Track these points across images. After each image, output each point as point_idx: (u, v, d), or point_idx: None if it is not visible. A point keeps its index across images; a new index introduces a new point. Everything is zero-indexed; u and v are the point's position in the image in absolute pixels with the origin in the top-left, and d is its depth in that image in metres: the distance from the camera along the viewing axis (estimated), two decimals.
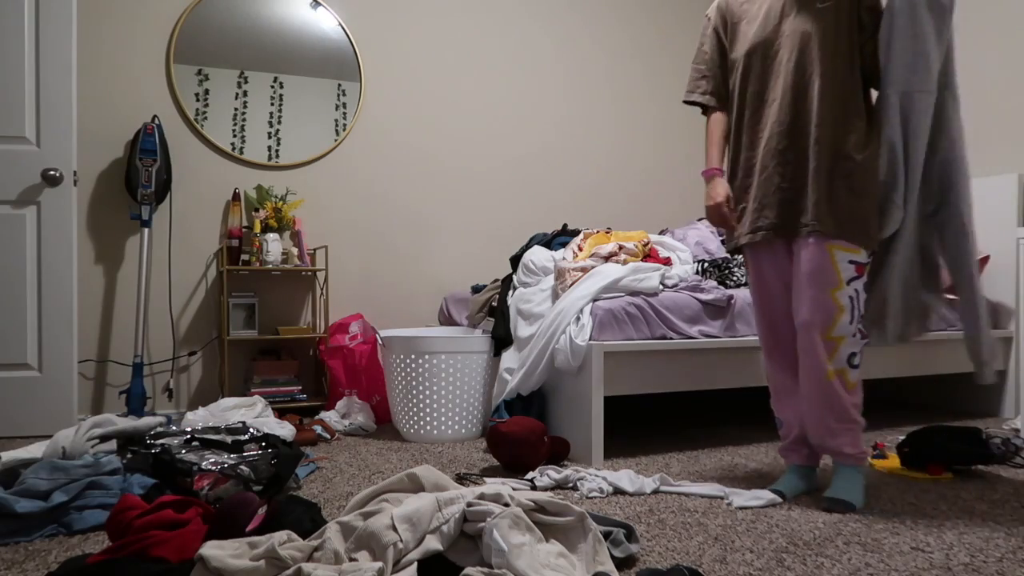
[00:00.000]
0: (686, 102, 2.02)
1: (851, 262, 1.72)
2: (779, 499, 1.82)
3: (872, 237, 1.73)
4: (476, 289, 3.20)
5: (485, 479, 1.98)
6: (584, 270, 2.53)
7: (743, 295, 2.56)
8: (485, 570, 1.13)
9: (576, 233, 3.00)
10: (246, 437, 1.96)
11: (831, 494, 1.76)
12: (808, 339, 1.75)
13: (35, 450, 1.93)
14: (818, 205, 1.72)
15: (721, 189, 1.90)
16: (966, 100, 3.38)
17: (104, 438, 1.99)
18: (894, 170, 1.73)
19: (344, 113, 3.56)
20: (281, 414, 2.86)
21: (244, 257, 3.15)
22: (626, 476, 1.96)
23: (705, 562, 1.40)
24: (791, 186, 1.79)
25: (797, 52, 1.77)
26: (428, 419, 2.60)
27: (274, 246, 3.15)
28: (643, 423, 3.06)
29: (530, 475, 2.01)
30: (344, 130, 3.56)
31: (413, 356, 2.59)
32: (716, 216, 1.92)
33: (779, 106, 1.80)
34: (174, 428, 2.13)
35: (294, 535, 1.22)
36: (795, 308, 1.79)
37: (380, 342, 2.78)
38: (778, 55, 1.81)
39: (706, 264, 2.88)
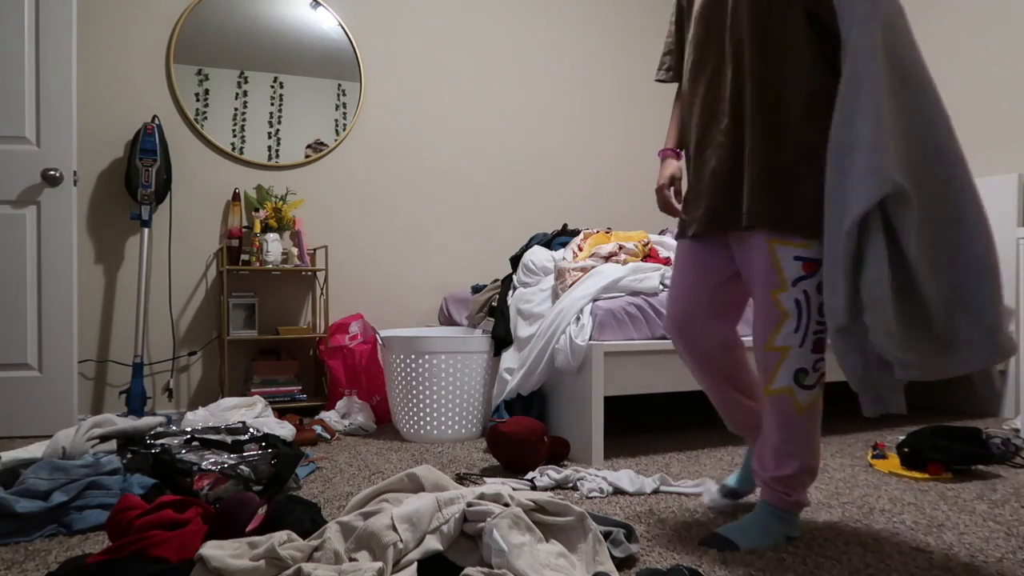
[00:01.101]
0: (656, 81, 1.83)
1: (797, 258, 1.41)
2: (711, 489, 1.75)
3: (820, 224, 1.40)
4: (476, 289, 3.20)
5: (485, 479, 1.98)
6: (584, 270, 2.53)
7: None
8: (485, 570, 1.13)
9: (576, 233, 3.00)
10: (246, 437, 1.96)
11: (724, 530, 1.49)
12: (755, 350, 1.49)
13: (35, 450, 1.94)
14: (752, 192, 1.42)
15: (667, 171, 1.66)
16: (966, 100, 3.39)
17: (104, 438, 1.99)
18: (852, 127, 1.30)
19: (344, 113, 3.56)
20: (281, 414, 2.86)
21: (244, 257, 3.15)
22: (626, 476, 1.96)
23: (705, 562, 1.40)
24: (726, 170, 1.50)
25: (731, 11, 1.49)
26: (428, 419, 2.60)
27: (274, 246, 3.16)
28: (643, 423, 3.06)
29: (530, 475, 2.01)
30: (344, 130, 3.56)
31: (413, 356, 2.59)
32: (659, 201, 1.68)
33: (712, 75, 1.53)
34: (174, 428, 2.13)
35: (294, 535, 1.22)
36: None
37: (380, 342, 2.78)
38: (719, 17, 1.53)
39: None
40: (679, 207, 1.66)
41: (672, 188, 1.66)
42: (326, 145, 3.47)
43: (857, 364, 1.31)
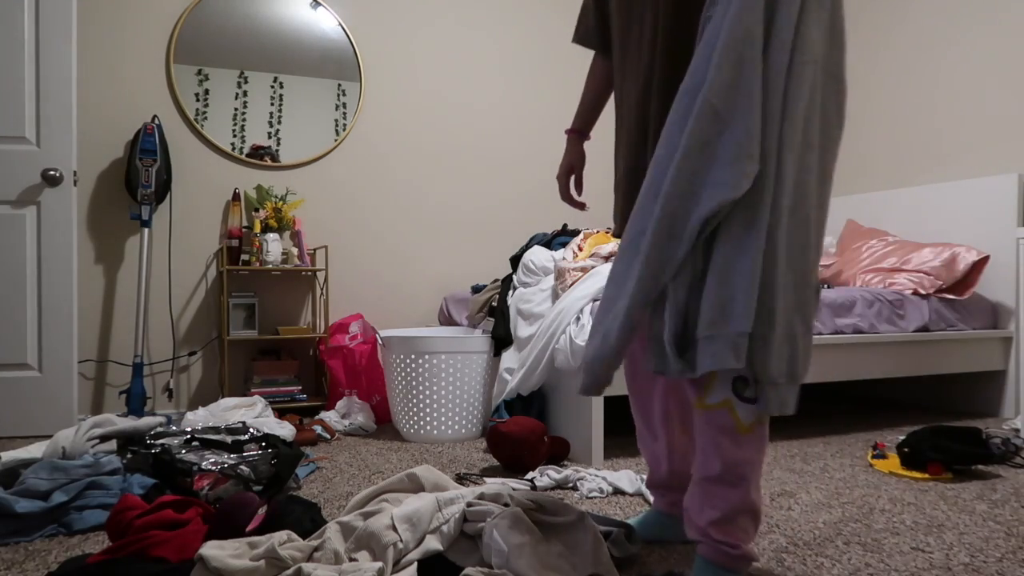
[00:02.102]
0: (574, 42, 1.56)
1: None
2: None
3: None
4: (476, 289, 3.20)
5: (485, 479, 1.98)
6: (584, 270, 2.53)
7: None
8: (485, 570, 1.13)
9: (576, 233, 3.00)
10: (246, 437, 1.96)
11: None
12: None
13: (35, 450, 1.94)
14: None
15: (566, 157, 1.49)
16: (966, 100, 3.39)
17: (104, 438, 2.00)
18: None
19: (344, 113, 3.56)
20: (281, 414, 2.86)
21: (244, 257, 3.15)
22: (626, 476, 1.96)
23: None
24: (632, 169, 1.33)
25: None
26: (428, 419, 2.60)
27: (274, 246, 3.15)
28: None
29: (530, 475, 2.01)
30: (344, 130, 3.56)
31: (413, 356, 2.59)
32: (560, 191, 1.51)
33: (637, 49, 1.31)
34: (174, 428, 2.13)
35: (294, 535, 1.22)
36: None
37: (380, 342, 2.78)
38: None
39: None
40: (580, 199, 1.49)
41: (572, 177, 1.49)
42: (267, 149, 3.39)
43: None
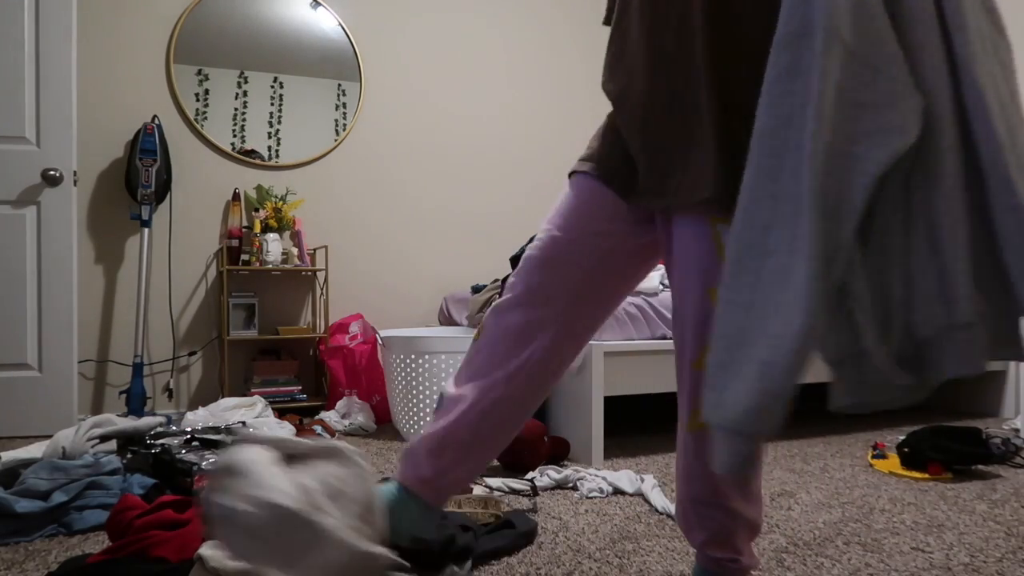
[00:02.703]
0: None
1: None
2: None
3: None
4: (476, 289, 3.20)
5: (485, 479, 1.98)
6: None
7: None
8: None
9: None
10: None
11: None
12: (679, 369, 1.10)
13: (35, 450, 1.94)
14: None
15: None
16: None
17: (104, 438, 1.99)
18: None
19: (344, 113, 3.56)
20: (281, 414, 2.86)
21: (244, 257, 3.15)
22: (626, 476, 1.96)
23: None
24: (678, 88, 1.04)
25: None
26: (428, 419, 2.60)
27: (274, 246, 3.16)
28: (643, 423, 3.06)
29: (530, 475, 2.01)
30: (344, 130, 3.56)
31: (413, 356, 2.59)
32: None
33: None
34: (174, 428, 2.13)
35: None
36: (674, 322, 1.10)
37: (380, 342, 2.78)
38: None
39: None
40: None
41: None
42: (258, 153, 3.38)
43: None
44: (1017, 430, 2.65)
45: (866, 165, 0.81)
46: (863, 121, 0.82)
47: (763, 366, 0.84)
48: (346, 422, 2.83)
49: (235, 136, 3.35)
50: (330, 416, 2.88)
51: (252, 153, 3.36)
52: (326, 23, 3.52)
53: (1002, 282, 0.86)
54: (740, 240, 0.88)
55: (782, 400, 0.84)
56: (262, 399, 2.69)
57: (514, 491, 1.90)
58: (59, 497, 1.62)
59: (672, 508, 1.69)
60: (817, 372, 2.78)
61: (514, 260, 2.92)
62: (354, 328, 3.26)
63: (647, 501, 1.82)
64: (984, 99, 0.83)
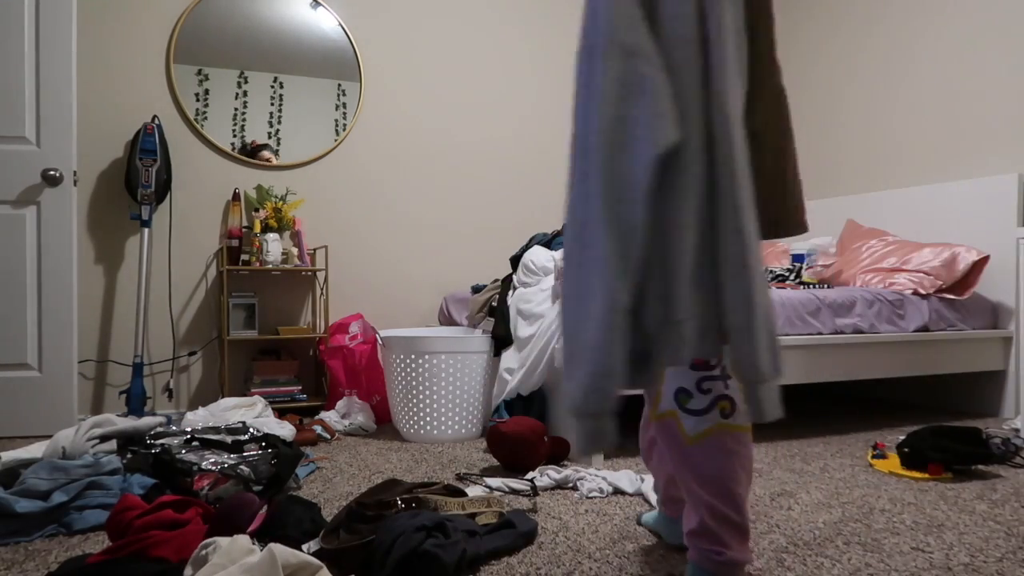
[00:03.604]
0: None
1: None
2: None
3: None
4: (476, 289, 3.20)
5: (485, 479, 1.98)
6: None
7: None
8: None
9: None
10: (246, 437, 1.96)
11: None
12: None
13: (35, 450, 1.94)
14: None
15: None
16: (966, 100, 3.39)
17: (104, 438, 1.99)
18: None
19: (344, 113, 3.56)
20: (281, 414, 2.86)
21: (244, 257, 3.15)
22: (626, 476, 1.96)
23: None
24: None
25: None
26: (428, 419, 2.60)
27: (274, 246, 3.16)
28: None
29: (530, 475, 2.02)
30: (344, 130, 3.56)
31: (413, 356, 2.59)
32: None
33: None
34: (174, 428, 2.13)
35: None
36: None
37: (380, 342, 2.78)
38: None
39: None
40: None
41: None
42: (266, 148, 3.40)
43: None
44: (1017, 430, 2.65)
45: (645, 146, 0.92)
46: (641, 107, 0.93)
47: (589, 350, 0.94)
48: (346, 422, 2.83)
49: (235, 136, 3.35)
50: (330, 416, 2.88)
51: (264, 147, 3.36)
52: (326, 23, 3.52)
53: (717, 291, 0.98)
54: (566, 238, 1.00)
55: (611, 378, 0.92)
56: (262, 399, 2.69)
57: (514, 491, 1.90)
58: (59, 497, 1.62)
59: None
60: (818, 373, 2.78)
61: (514, 260, 2.92)
62: (354, 328, 3.26)
63: (647, 501, 1.82)
64: (731, 131, 0.95)
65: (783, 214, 1.21)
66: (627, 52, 0.95)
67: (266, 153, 3.40)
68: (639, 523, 1.63)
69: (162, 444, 1.89)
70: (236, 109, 3.34)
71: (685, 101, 0.98)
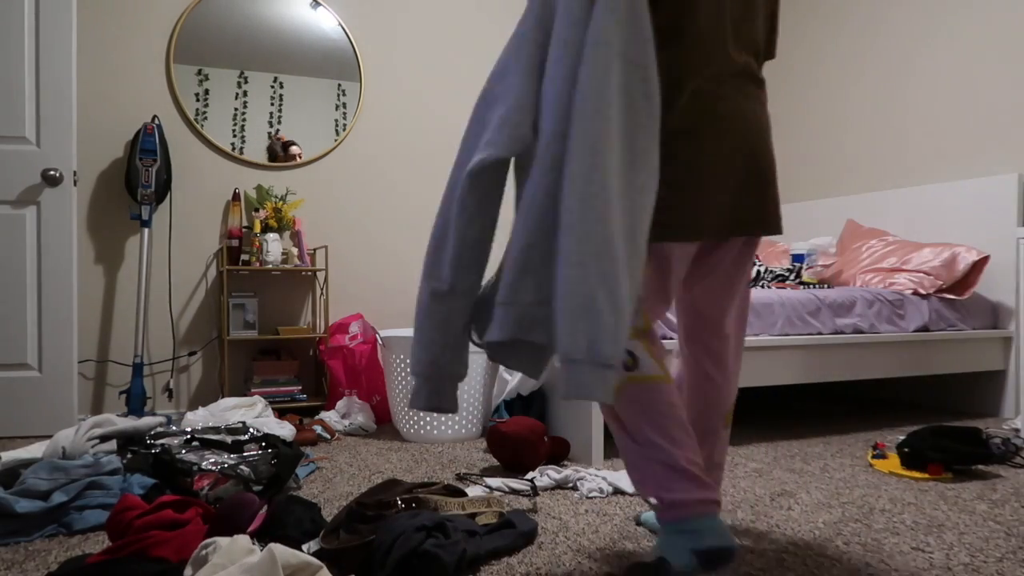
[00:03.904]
0: None
1: None
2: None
3: None
4: None
5: (485, 479, 1.98)
6: None
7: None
8: None
9: None
10: (246, 437, 1.96)
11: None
12: None
13: (35, 450, 1.94)
14: None
15: None
16: (966, 100, 3.39)
17: (104, 438, 1.99)
18: None
19: (344, 113, 3.56)
20: (281, 414, 2.86)
21: (244, 257, 3.15)
22: (626, 476, 1.96)
23: None
24: None
25: None
26: (428, 419, 2.60)
27: (274, 246, 3.16)
28: None
29: (530, 475, 2.02)
30: (344, 130, 3.56)
31: None
32: None
33: None
34: (174, 428, 2.13)
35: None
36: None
37: (380, 342, 2.78)
38: None
39: None
40: None
41: None
42: (294, 144, 3.45)
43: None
44: (1017, 430, 2.65)
45: (471, 164, 1.15)
46: (482, 137, 1.19)
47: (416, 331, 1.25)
48: (346, 422, 2.83)
49: (235, 136, 3.35)
50: (330, 416, 2.88)
51: (293, 143, 3.43)
52: (326, 23, 3.52)
53: (548, 282, 1.08)
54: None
55: (436, 367, 1.24)
56: (262, 399, 2.69)
57: (514, 491, 1.90)
58: (59, 497, 1.62)
59: None
60: (818, 373, 2.78)
61: None
62: (354, 328, 3.26)
63: (647, 501, 1.82)
64: (572, 152, 1.04)
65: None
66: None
67: (295, 148, 3.44)
68: (638, 523, 1.64)
69: (162, 444, 1.89)
70: (236, 109, 3.34)
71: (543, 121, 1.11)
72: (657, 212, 1.23)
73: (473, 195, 1.15)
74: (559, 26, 1.11)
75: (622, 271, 1.03)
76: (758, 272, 3.27)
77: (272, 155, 3.41)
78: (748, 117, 1.30)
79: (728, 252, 1.38)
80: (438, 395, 1.22)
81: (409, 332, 3.00)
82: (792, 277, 3.30)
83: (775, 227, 1.34)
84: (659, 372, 1.26)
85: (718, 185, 1.27)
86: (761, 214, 1.32)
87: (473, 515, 1.57)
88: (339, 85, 3.54)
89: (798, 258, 3.40)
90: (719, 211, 1.28)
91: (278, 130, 3.41)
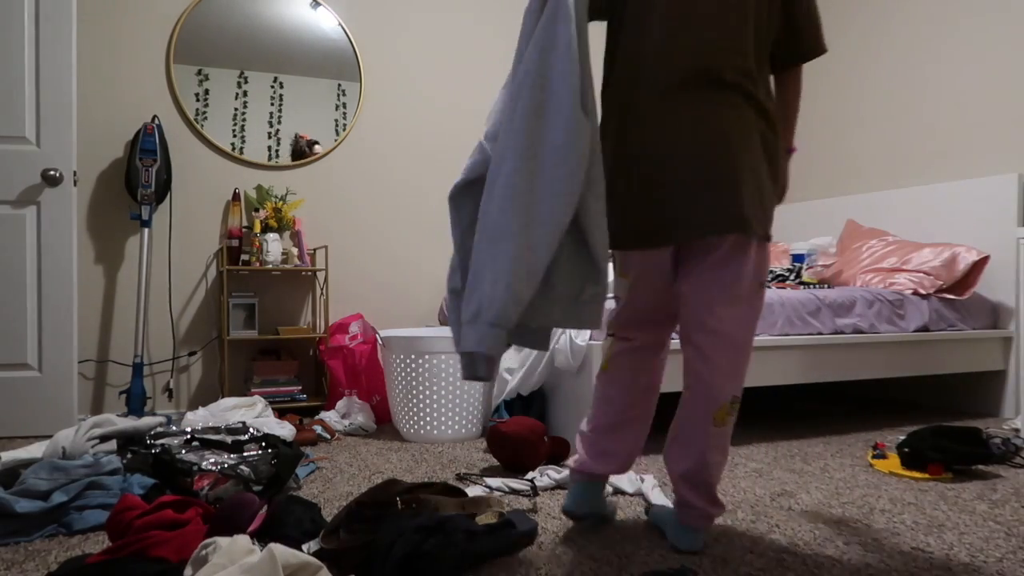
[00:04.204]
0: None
1: None
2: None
3: None
4: None
5: (485, 479, 1.98)
6: None
7: None
8: None
9: None
10: (246, 437, 1.96)
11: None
12: None
13: (35, 450, 1.94)
14: None
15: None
16: (967, 99, 3.39)
17: (104, 438, 1.99)
18: None
19: (344, 113, 3.56)
20: (281, 414, 2.86)
21: (244, 257, 3.15)
22: (626, 476, 1.96)
23: (705, 562, 1.40)
24: None
25: None
26: (428, 419, 2.60)
27: (274, 246, 3.16)
28: None
29: (530, 475, 2.02)
30: (344, 130, 3.56)
31: (413, 356, 2.59)
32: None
33: None
34: (174, 428, 2.13)
35: None
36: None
37: (380, 342, 2.78)
38: None
39: None
40: None
41: None
42: (318, 144, 3.48)
43: None
44: (1017, 430, 2.66)
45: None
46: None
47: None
48: (346, 422, 2.83)
49: (235, 136, 3.35)
50: (330, 416, 2.88)
51: (316, 142, 3.46)
52: (326, 23, 3.52)
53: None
54: None
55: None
56: (262, 399, 2.69)
57: (514, 491, 1.90)
58: (59, 497, 1.62)
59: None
60: (818, 373, 2.78)
61: None
62: (354, 328, 3.26)
63: (647, 501, 1.82)
64: (499, 166, 1.33)
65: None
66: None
67: (319, 147, 3.47)
68: (647, 514, 1.67)
69: (162, 444, 1.89)
70: (236, 109, 3.34)
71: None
72: (608, 222, 1.45)
73: (458, 212, 1.42)
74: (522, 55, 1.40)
75: (515, 249, 1.25)
76: None
77: (298, 154, 3.44)
78: (686, 126, 1.39)
79: (709, 253, 1.43)
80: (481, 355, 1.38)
81: (409, 332, 3.00)
82: (792, 277, 3.30)
83: (726, 226, 1.37)
84: (603, 364, 1.62)
85: (635, 196, 1.43)
86: (705, 216, 1.38)
87: (473, 515, 1.57)
88: (339, 85, 3.54)
89: (798, 258, 3.40)
90: (642, 219, 1.44)
91: (296, 133, 3.46)
